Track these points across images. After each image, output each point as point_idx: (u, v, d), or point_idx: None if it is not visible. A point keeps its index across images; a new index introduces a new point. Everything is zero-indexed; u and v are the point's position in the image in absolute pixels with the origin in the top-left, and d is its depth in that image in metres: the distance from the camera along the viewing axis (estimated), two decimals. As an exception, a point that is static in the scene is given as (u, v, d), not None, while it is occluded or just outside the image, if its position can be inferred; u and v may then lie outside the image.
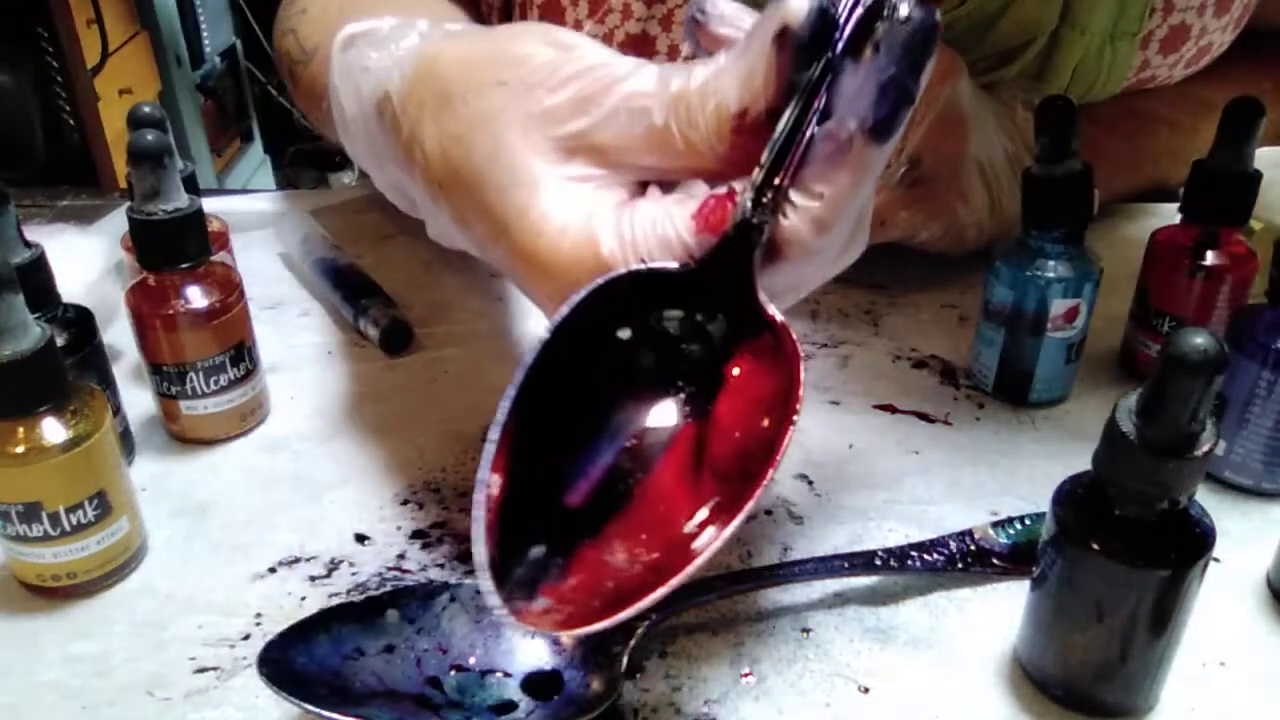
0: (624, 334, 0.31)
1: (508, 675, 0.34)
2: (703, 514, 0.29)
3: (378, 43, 0.39)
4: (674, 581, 0.27)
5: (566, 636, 0.35)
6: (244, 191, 0.86)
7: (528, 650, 0.35)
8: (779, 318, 0.30)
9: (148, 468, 0.47)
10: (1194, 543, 0.31)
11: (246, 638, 0.38)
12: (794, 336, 0.30)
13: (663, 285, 0.31)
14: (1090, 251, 0.48)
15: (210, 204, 0.54)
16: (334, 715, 0.31)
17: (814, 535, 0.42)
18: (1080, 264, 0.47)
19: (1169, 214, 0.64)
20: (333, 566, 0.41)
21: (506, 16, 0.61)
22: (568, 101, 0.32)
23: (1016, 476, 0.46)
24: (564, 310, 0.30)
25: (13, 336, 0.36)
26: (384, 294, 0.58)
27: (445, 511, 0.44)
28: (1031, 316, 0.48)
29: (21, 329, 0.36)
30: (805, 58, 0.29)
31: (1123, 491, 0.31)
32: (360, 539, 0.42)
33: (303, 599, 0.40)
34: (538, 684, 0.34)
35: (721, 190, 0.31)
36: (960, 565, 0.39)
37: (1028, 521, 0.41)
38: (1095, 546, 0.32)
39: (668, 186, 0.34)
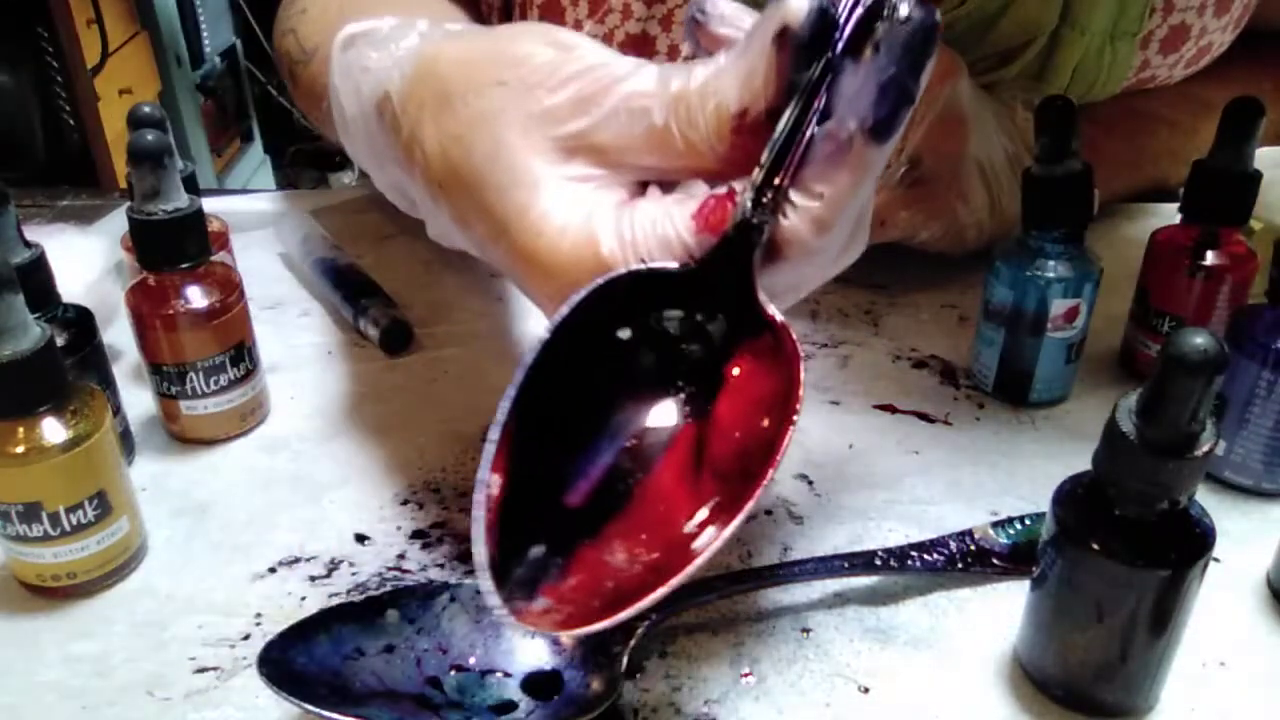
0: (624, 334, 0.31)
1: (508, 675, 0.34)
2: (702, 514, 0.29)
3: (378, 43, 0.39)
4: (674, 582, 0.27)
5: (566, 636, 0.35)
6: (244, 191, 0.86)
7: (528, 650, 0.35)
8: (779, 318, 0.30)
9: (148, 468, 0.47)
10: (1194, 543, 0.31)
11: (246, 638, 0.38)
12: (794, 336, 0.30)
13: (663, 285, 0.31)
14: (1090, 251, 0.48)
15: (210, 204, 0.54)
16: (334, 715, 0.31)
17: (814, 535, 0.42)
18: (1080, 264, 0.47)
19: (1169, 214, 0.64)
20: (333, 566, 0.41)
21: (506, 17, 0.61)
22: (568, 101, 0.32)
23: (1016, 476, 0.46)
24: (564, 310, 0.30)
25: (13, 336, 0.36)
26: (384, 294, 0.58)
27: (445, 511, 0.44)
28: (1031, 316, 0.48)
29: (21, 329, 0.36)
30: (805, 57, 0.29)
31: (1123, 491, 0.31)
32: (360, 539, 0.42)
33: (303, 599, 0.40)
34: (538, 684, 0.34)
35: (721, 190, 0.31)
36: (960, 565, 0.39)
37: (1028, 521, 0.41)
38: (1095, 546, 0.32)
39: (668, 187, 0.34)
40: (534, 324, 0.58)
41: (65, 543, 0.38)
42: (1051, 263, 0.47)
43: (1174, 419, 0.29)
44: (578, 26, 0.58)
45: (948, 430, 0.49)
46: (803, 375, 0.29)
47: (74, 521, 0.38)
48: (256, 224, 0.69)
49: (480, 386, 0.52)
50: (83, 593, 0.40)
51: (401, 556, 0.41)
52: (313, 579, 0.40)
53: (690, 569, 0.28)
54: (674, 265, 0.31)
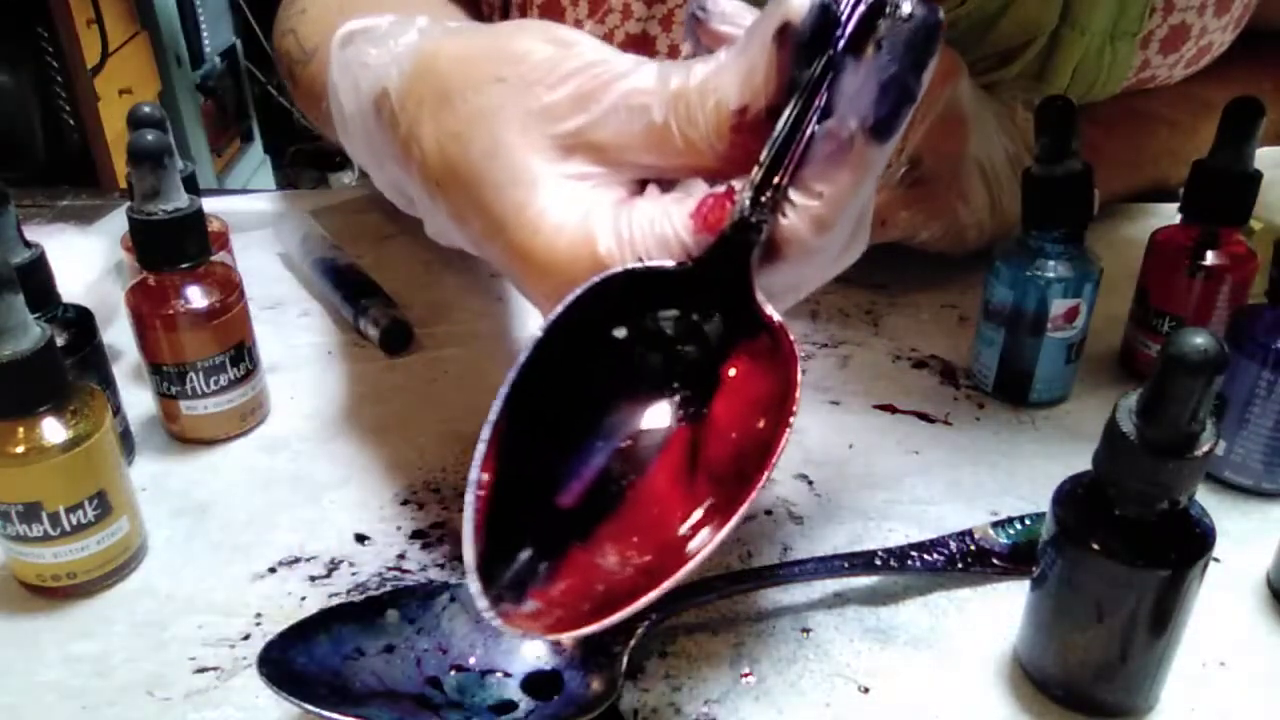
0: (620, 333, 0.31)
1: (508, 675, 0.34)
2: (697, 516, 0.29)
3: (377, 39, 0.38)
4: (665, 585, 0.27)
5: (554, 639, 0.34)
6: (244, 191, 0.86)
7: (528, 650, 0.35)
8: (776, 318, 0.30)
9: (148, 468, 0.47)
10: (1194, 543, 0.31)
11: (246, 638, 0.38)
12: (791, 337, 0.30)
13: (659, 284, 0.31)
14: (1090, 251, 0.48)
15: (210, 204, 0.54)
16: (334, 715, 0.31)
17: (814, 535, 0.42)
18: (1080, 264, 0.47)
19: (1169, 214, 0.64)
20: (333, 566, 0.41)
21: (506, 16, 0.61)
22: (566, 98, 0.32)
23: (1016, 476, 0.46)
24: (559, 308, 0.30)
25: (13, 336, 0.36)
26: (384, 294, 0.58)
27: (445, 511, 0.44)
28: (1031, 316, 0.48)
29: (21, 329, 0.36)
30: (806, 55, 0.29)
31: (1123, 491, 0.31)
32: (360, 539, 0.42)
33: (303, 599, 0.40)
34: (538, 684, 0.34)
35: (720, 189, 0.31)
36: (960, 565, 0.39)
37: (1028, 521, 0.41)
38: (1095, 546, 0.32)
39: (667, 186, 0.34)
40: (534, 324, 0.57)
41: (65, 543, 0.38)
42: (1051, 263, 0.47)
43: (1174, 419, 0.29)
44: (578, 26, 0.58)
45: (948, 430, 0.49)
46: (800, 377, 0.29)
47: (74, 521, 0.38)
48: (256, 224, 0.69)
49: (480, 386, 0.52)
50: (83, 593, 0.40)
51: (401, 556, 0.41)
52: (313, 579, 0.40)
53: (682, 573, 0.27)
54: (671, 264, 0.30)
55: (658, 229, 0.31)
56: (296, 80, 0.56)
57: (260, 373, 0.49)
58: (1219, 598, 0.38)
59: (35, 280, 0.43)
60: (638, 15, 0.57)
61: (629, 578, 0.28)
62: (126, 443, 0.47)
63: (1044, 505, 0.34)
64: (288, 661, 0.33)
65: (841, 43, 0.28)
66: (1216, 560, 0.40)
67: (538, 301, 0.34)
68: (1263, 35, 0.65)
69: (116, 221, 0.65)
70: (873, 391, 0.52)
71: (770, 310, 0.30)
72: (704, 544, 0.28)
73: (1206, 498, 0.42)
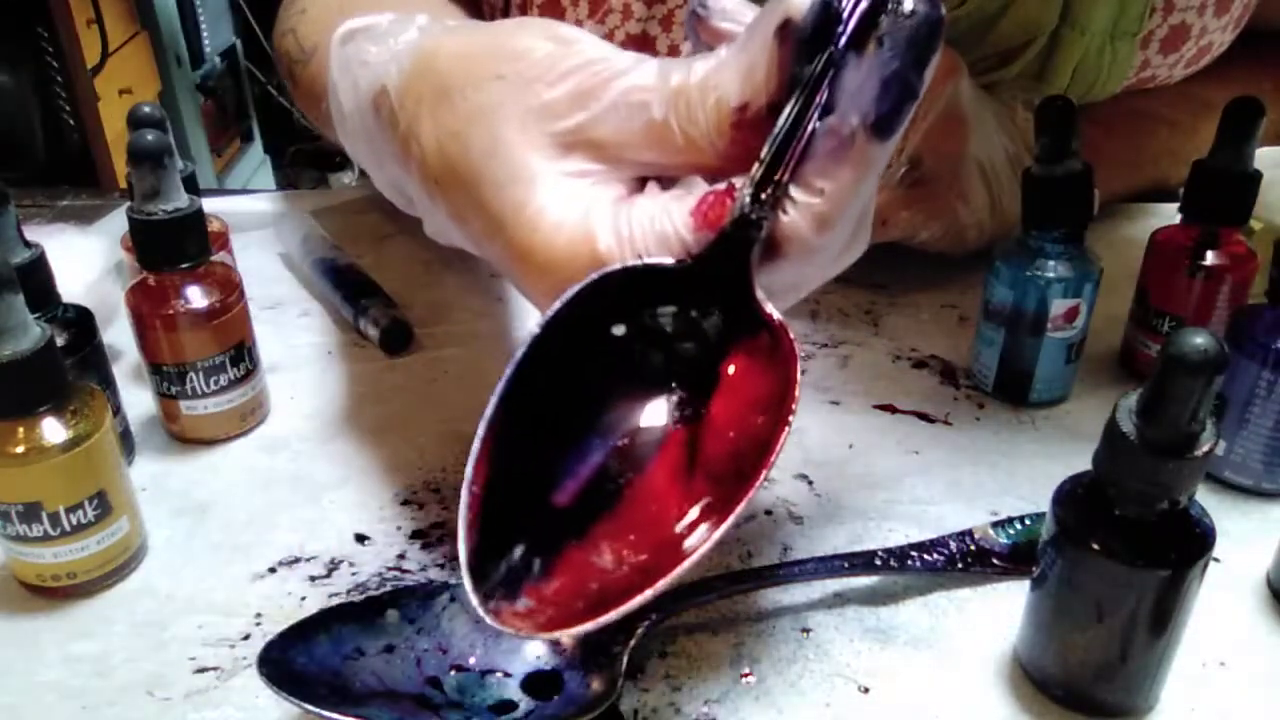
0: (618, 331, 0.31)
1: (508, 675, 0.34)
2: (694, 515, 0.29)
3: (376, 37, 0.38)
4: (660, 584, 0.27)
5: (547, 637, 0.34)
6: (244, 191, 0.86)
7: (528, 650, 0.35)
8: (776, 316, 0.30)
9: (148, 468, 0.47)
10: (1194, 543, 0.31)
11: (246, 638, 0.38)
12: (791, 336, 0.29)
13: (659, 282, 0.30)
14: (1090, 251, 0.48)
15: (210, 204, 0.54)
16: (334, 715, 0.31)
17: (814, 535, 0.42)
18: (1080, 264, 0.47)
19: (1169, 214, 0.64)
20: (333, 566, 0.41)
21: (508, 16, 0.61)
22: (566, 96, 0.32)
23: (1016, 476, 0.46)
24: (556, 305, 0.29)
25: (13, 336, 0.36)
26: (384, 294, 0.58)
27: (445, 511, 0.44)
28: (1031, 316, 0.48)
29: (21, 329, 0.36)
30: (807, 51, 0.29)
31: (1123, 491, 0.31)
32: (360, 539, 0.42)
33: (303, 599, 0.40)
34: (538, 684, 0.34)
35: (721, 186, 0.30)
36: (960, 565, 0.39)
37: (1028, 521, 0.41)
38: (1095, 546, 0.32)
39: (667, 184, 0.34)
40: (533, 323, 0.57)
41: (65, 543, 0.38)
42: (1051, 263, 0.47)
43: (1174, 419, 0.29)
44: (578, 26, 0.58)
45: (948, 430, 0.49)
46: (800, 375, 0.29)
47: (74, 521, 0.38)
48: (256, 224, 0.69)
49: (480, 386, 0.52)
50: (83, 593, 0.40)
51: (401, 556, 0.41)
52: (313, 579, 0.40)
53: (679, 571, 0.27)
54: (671, 262, 0.30)
55: (657, 226, 0.30)
56: (296, 80, 0.56)
57: (260, 373, 0.49)
58: (1219, 598, 0.38)
59: (35, 280, 0.43)
60: (638, 15, 0.57)
61: (624, 576, 0.28)
62: (126, 443, 0.47)
63: (1044, 505, 0.34)
64: (288, 661, 0.33)
65: (843, 39, 0.28)
66: (1216, 560, 0.40)
67: (537, 300, 0.33)
68: (1263, 35, 0.65)
69: (116, 221, 0.65)
70: (873, 391, 0.52)
71: (770, 308, 0.30)
72: (701, 542, 0.28)
73: (1206, 498, 0.42)
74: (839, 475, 0.46)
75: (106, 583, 0.40)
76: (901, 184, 0.54)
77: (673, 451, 0.30)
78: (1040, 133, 0.45)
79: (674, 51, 0.58)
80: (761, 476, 0.28)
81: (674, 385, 0.31)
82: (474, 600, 0.28)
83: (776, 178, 0.29)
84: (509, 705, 0.33)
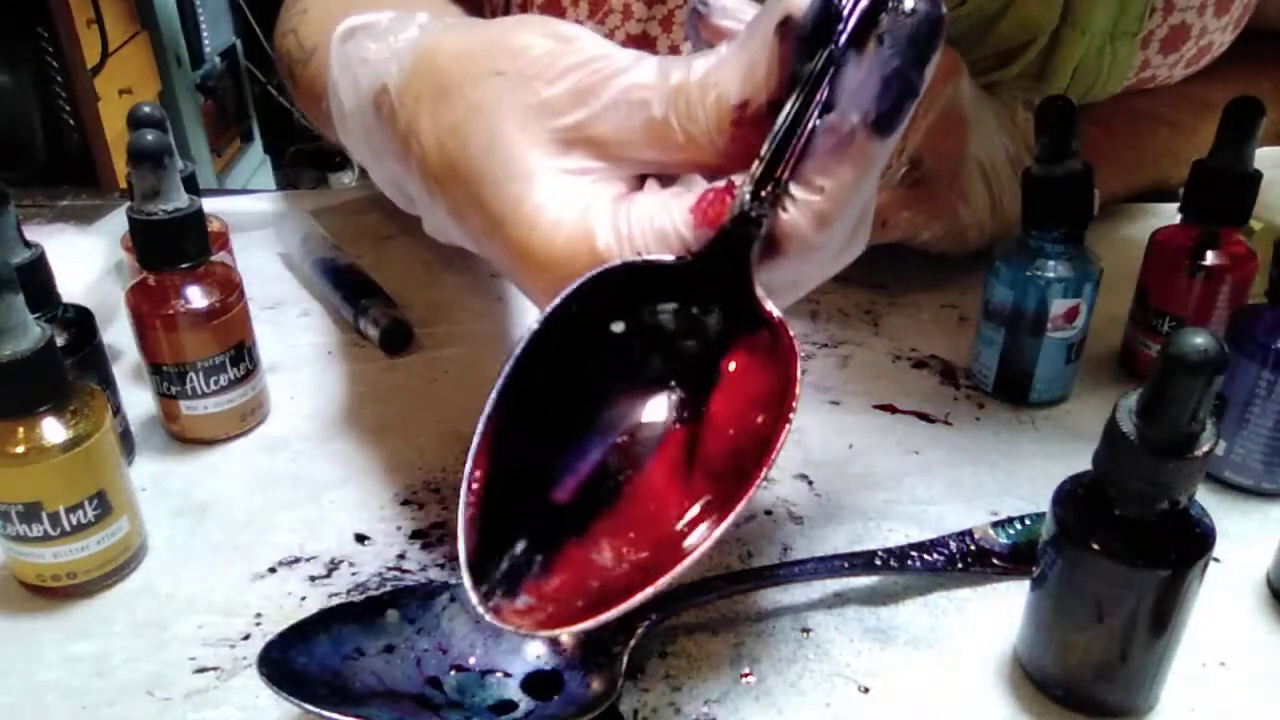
0: (618, 328, 0.31)
1: (508, 675, 0.34)
2: (694, 513, 0.29)
3: (377, 35, 0.38)
4: (661, 582, 0.27)
5: (547, 635, 0.34)
6: (244, 191, 0.86)
7: (528, 650, 0.35)
8: (776, 314, 0.30)
9: (148, 468, 0.47)
10: (1194, 543, 0.31)
11: (246, 638, 0.38)
12: (791, 334, 0.29)
13: (658, 279, 0.30)
14: (1090, 251, 0.48)
15: (210, 204, 0.54)
16: (334, 715, 0.31)
17: (814, 535, 0.42)
18: (1080, 264, 0.47)
19: (1169, 214, 0.64)
20: (333, 566, 0.41)
21: (508, 15, 0.61)
22: (566, 93, 0.32)
23: (1016, 476, 0.46)
24: (556, 301, 0.29)
25: (13, 336, 0.36)
26: (384, 294, 0.58)
27: (445, 511, 0.44)
28: (1031, 316, 0.48)
29: (21, 329, 0.36)
30: (808, 49, 0.28)
31: (1123, 491, 0.31)
32: (360, 539, 0.42)
33: (303, 599, 0.40)
34: (538, 684, 0.34)
35: (720, 184, 0.30)
36: (960, 565, 0.39)
37: (1028, 521, 0.41)
38: (1095, 546, 0.32)
39: (666, 181, 0.34)
40: (533, 320, 0.57)
41: (65, 543, 0.38)
42: (1051, 263, 0.47)
43: (1174, 419, 0.29)
44: (578, 26, 0.58)
45: (948, 430, 0.49)
46: (799, 373, 0.29)
47: (74, 521, 0.38)
48: (256, 224, 0.69)
49: (480, 386, 0.52)
50: (83, 593, 0.40)
51: (401, 556, 0.41)
52: (313, 579, 0.40)
53: (678, 570, 0.27)
54: (670, 258, 0.30)
55: (657, 223, 0.30)
56: (297, 80, 0.56)
57: (260, 373, 0.49)
58: (1219, 598, 0.38)
59: (35, 280, 0.43)
60: (638, 16, 0.57)
61: (624, 574, 0.28)
62: (126, 443, 0.47)
63: (1044, 505, 0.34)
64: (288, 661, 0.33)
65: (843, 37, 0.28)
66: (1216, 560, 0.40)
67: (536, 298, 0.33)
68: (1263, 35, 0.65)
69: (116, 221, 0.65)
70: (873, 391, 0.52)
71: (770, 306, 0.30)
72: (701, 541, 0.28)
73: (1206, 498, 0.42)
74: (839, 475, 0.46)
75: (106, 583, 0.40)
76: (902, 184, 0.54)
77: (672, 449, 0.30)
78: (1040, 133, 0.45)
79: (674, 52, 0.58)
80: (762, 475, 0.28)
81: (674, 383, 0.31)
82: (474, 598, 0.28)
83: (776, 175, 0.29)
84: (509, 705, 0.33)
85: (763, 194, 0.29)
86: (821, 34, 0.28)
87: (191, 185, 0.53)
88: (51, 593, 0.39)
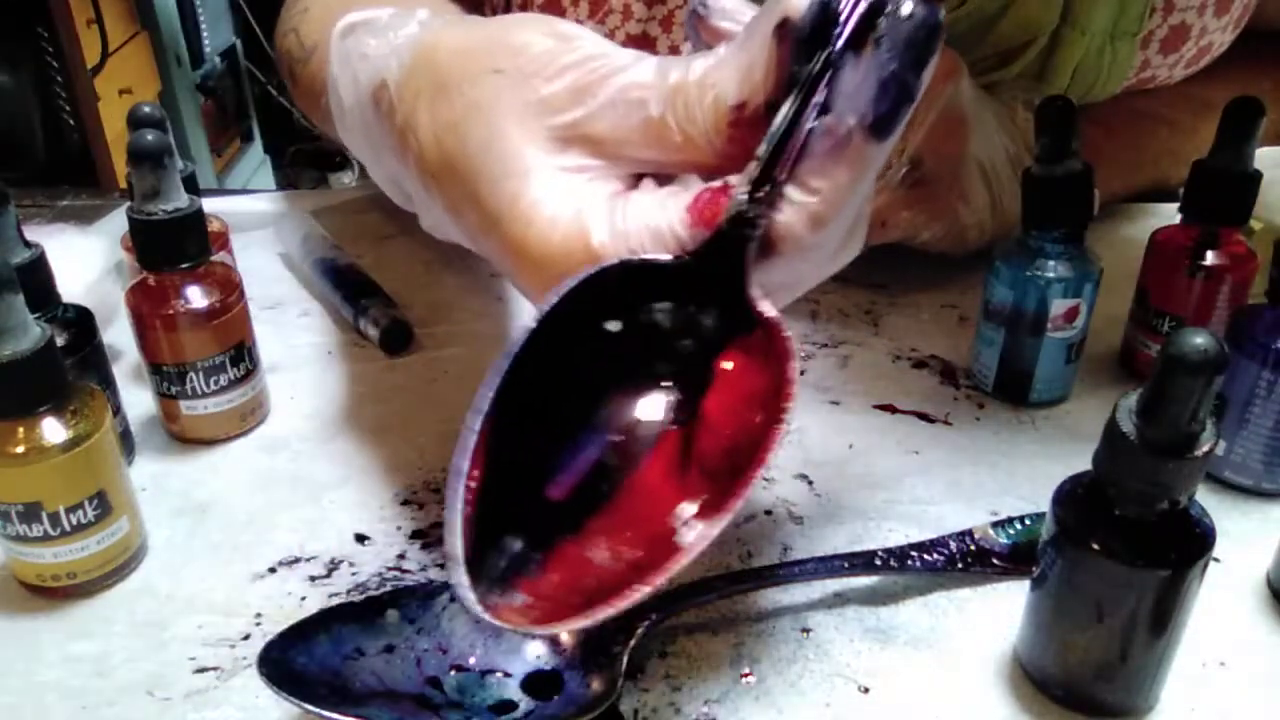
0: (613, 326, 0.31)
1: (508, 675, 0.34)
2: (689, 511, 0.29)
3: (377, 31, 0.38)
4: (656, 580, 0.27)
5: (542, 632, 0.34)
6: (244, 191, 0.86)
7: (528, 650, 0.35)
8: (770, 314, 0.30)
9: (148, 468, 0.47)
10: (1194, 543, 0.31)
11: (246, 638, 0.38)
12: (785, 334, 0.29)
13: (654, 278, 0.30)
14: (1090, 251, 0.48)
15: (210, 204, 0.54)
16: (334, 715, 0.31)
17: (814, 535, 0.42)
18: (1080, 264, 0.47)
19: (1169, 214, 0.64)
20: (333, 566, 0.41)
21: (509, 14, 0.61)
22: (564, 91, 0.32)
23: (1016, 476, 0.46)
24: (551, 299, 0.29)
25: (13, 336, 0.36)
26: (384, 294, 0.58)
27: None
28: (1031, 316, 0.48)
29: (21, 329, 0.36)
30: (805, 51, 0.29)
31: (1123, 491, 0.31)
32: (360, 539, 0.42)
33: (303, 599, 0.40)
34: (538, 684, 0.34)
35: (717, 184, 0.30)
36: (960, 565, 0.39)
37: (1028, 521, 0.41)
38: (1095, 546, 0.32)
39: (664, 181, 0.34)
40: (529, 318, 0.57)
41: (65, 543, 0.38)
42: (1051, 263, 0.47)
43: (1174, 419, 0.29)
44: (578, 26, 0.58)
45: (948, 430, 0.49)
46: (794, 373, 0.29)
47: (74, 521, 0.38)
48: (256, 224, 0.69)
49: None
50: (83, 593, 0.40)
51: (401, 556, 0.41)
52: (313, 579, 0.40)
53: (674, 567, 0.27)
54: (666, 257, 0.30)
55: (653, 222, 0.30)
56: (297, 78, 0.56)
57: (260, 373, 0.49)
58: (1219, 598, 0.38)
59: (35, 280, 0.43)
60: (638, 16, 0.57)
61: (619, 572, 0.28)
62: (126, 443, 0.47)
63: (1044, 505, 0.34)
64: (288, 661, 0.33)
65: (841, 39, 0.28)
66: (1216, 560, 0.40)
67: (532, 295, 0.33)
68: (1263, 35, 0.65)
69: (116, 221, 0.65)
70: (873, 391, 0.52)
71: (763, 306, 0.30)
72: (698, 539, 0.28)
73: (1206, 498, 0.42)
74: (839, 475, 0.46)
75: (106, 583, 0.40)
76: (902, 184, 0.54)
77: (668, 448, 0.30)
78: (1040, 133, 0.45)
79: (674, 52, 0.58)
80: (756, 473, 0.28)
81: (669, 382, 0.31)
82: (470, 597, 0.28)
83: (772, 176, 0.29)
84: (509, 705, 0.33)
85: (758, 195, 0.29)
86: (819, 36, 0.28)
87: (191, 185, 0.53)
88: (51, 593, 0.39)
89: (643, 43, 0.58)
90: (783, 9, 0.29)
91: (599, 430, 0.30)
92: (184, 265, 0.45)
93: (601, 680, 0.34)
